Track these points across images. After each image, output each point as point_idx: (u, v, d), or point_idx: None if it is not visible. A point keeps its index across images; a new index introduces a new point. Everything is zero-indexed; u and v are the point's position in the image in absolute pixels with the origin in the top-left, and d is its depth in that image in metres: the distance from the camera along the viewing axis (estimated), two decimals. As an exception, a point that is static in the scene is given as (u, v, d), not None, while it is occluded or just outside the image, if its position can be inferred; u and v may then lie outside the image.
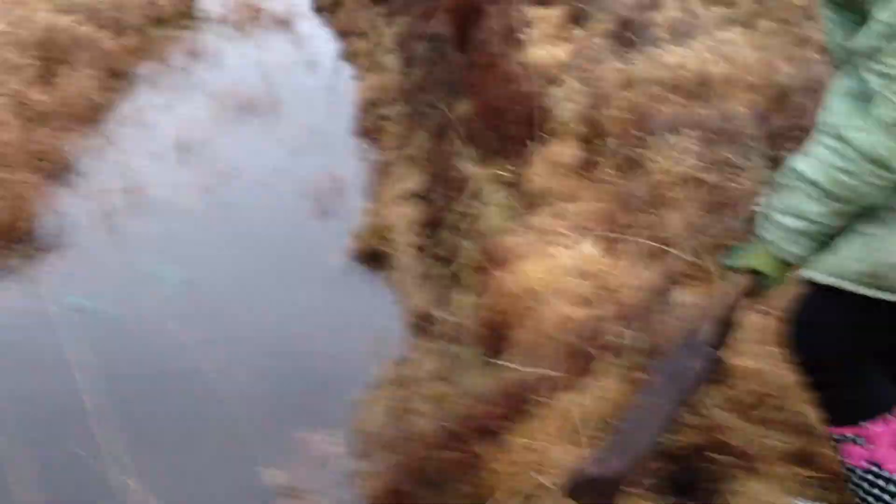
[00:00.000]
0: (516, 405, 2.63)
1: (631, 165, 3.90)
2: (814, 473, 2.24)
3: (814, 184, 1.57)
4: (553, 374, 2.67)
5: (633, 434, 1.91)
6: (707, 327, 1.89)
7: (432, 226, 4.86)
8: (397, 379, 3.89)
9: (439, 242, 4.70)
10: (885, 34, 1.46)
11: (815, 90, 4.22)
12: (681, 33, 5.43)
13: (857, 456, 1.75)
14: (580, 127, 4.34)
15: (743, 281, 1.78)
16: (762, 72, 4.74)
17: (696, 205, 3.54)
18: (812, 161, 1.58)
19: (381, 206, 5.70)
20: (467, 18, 5.86)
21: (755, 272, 1.75)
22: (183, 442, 3.64)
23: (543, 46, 5.35)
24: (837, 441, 1.78)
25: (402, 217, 5.40)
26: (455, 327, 3.77)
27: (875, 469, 1.73)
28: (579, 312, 2.98)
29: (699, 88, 4.55)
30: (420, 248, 4.85)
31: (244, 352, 4.27)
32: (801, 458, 2.31)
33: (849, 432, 1.74)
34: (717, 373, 1.97)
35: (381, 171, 6.32)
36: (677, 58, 4.97)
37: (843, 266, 1.62)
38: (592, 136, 4.25)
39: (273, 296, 4.81)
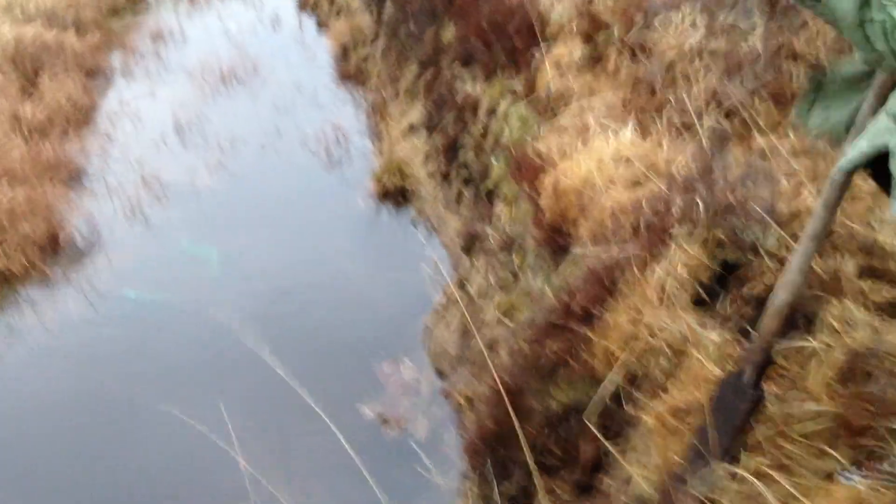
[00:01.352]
0: (607, 286, 2.79)
1: (640, 49, 4.01)
2: None
3: None
4: (633, 251, 2.83)
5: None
6: (748, 369, 2.15)
7: (450, 152, 4.98)
8: (462, 297, 4.07)
9: (462, 166, 4.82)
10: None
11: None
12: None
13: None
14: (579, 24, 4.42)
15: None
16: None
17: (713, 73, 3.68)
18: None
19: (391, 143, 5.81)
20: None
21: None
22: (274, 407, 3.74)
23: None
24: None
25: (416, 150, 5.52)
26: (507, 238, 3.93)
27: None
28: (638, 193, 3.13)
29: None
30: (444, 176, 4.98)
31: (307, 308, 4.43)
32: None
33: None
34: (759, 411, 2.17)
35: (380, 110, 6.40)
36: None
37: None
38: (593, 30, 4.34)
39: (313, 250, 4.95)
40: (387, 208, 5.39)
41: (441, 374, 3.92)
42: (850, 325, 2.39)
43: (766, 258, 2.67)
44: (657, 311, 2.63)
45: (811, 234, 2.07)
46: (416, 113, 5.69)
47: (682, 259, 2.72)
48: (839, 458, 2.10)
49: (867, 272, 2.54)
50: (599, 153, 3.42)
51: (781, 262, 2.66)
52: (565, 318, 2.84)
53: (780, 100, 3.48)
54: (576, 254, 3.15)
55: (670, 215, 2.88)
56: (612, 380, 2.65)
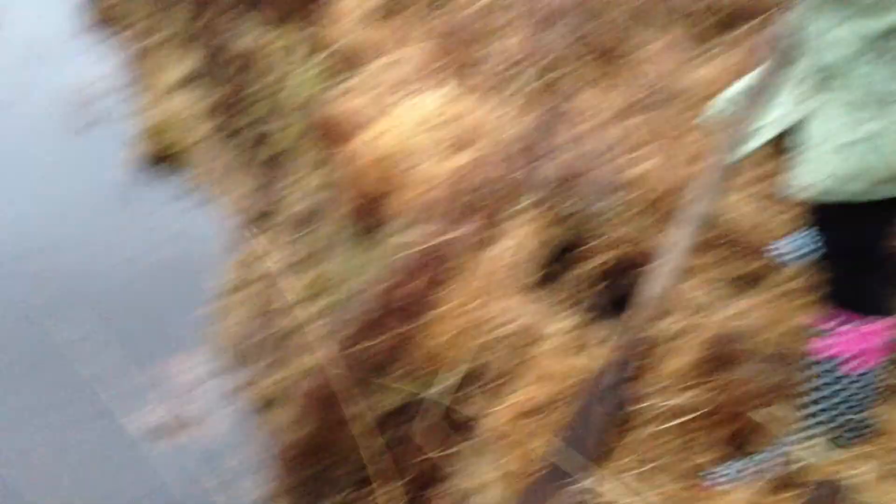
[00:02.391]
0: (439, 268, 2.48)
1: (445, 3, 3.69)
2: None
3: None
4: (466, 228, 2.53)
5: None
6: (613, 372, 1.97)
7: (234, 109, 4.45)
8: (257, 278, 3.62)
9: (250, 125, 4.32)
10: None
11: None
12: None
13: (837, 345, 1.73)
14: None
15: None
16: None
17: (530, 25, 3.43)
18: None
19: (157, 99, 5.15)
20: None
21: None
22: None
23: None
24: (825, 325, 1.75)
25: (188, 107, 4.91)
26: (311, 209, 3.51)
27: (850, 363, 1.73)
28: (463, 160, 2.83)
29: None
30: (228, 136, 4.45)
31: (62, 303, 3.77)
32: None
33: (834, 322, 1.72)
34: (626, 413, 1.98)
35: (142, 61, 5.68)
36: None
37: (857, 173, 1.54)
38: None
39: (62, 235, 4.24)
40: (156, 176, 4.75)
41: (235, 367, 3.46)
42: (704, 307, 2.23)
43: (608, 233, 2.46)
44: (496, 296, 2.35)
45: (697, 216, 1.84)
46: (188, 64, 5.07)
47: (521, 236, 2.45)
48: (711, 454, 1.93)
49: (712, 247, 2.39)
50: (414, 115, 3.09)
51: (624, 237, 2.47)
52: (391, 306, 2.50)
53: (598, 53, 3.30)
54: (396, 231, 2.81)
55: (505, 187, 2.60)
56: (451, 375, 2.35)
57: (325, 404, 2.44)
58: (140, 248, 4.07)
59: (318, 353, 2.62)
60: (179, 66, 5.23)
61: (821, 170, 1.57)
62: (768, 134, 1.76)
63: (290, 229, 3.47)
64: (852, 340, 1.71)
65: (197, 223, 4.11)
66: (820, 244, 1.74)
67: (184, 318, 3.54)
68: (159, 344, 3.48)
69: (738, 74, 2.03)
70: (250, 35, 4.53)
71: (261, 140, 4.11)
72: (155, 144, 4.89)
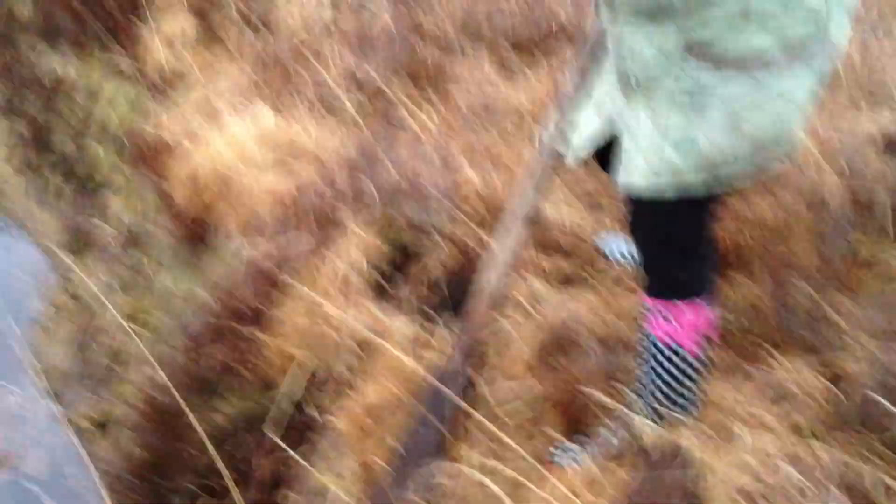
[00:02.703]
0: (274, 280, 2.48)
1: (263, 25, 3.72)
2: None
3: None
4: (301, 241, 2.55)
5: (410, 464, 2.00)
6: (452, 369, 2.06)
7: (40, 141, 4.26)
8: (72, 305, 3.46)
9: (57, 156, 4.14)
10: None
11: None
12: None
13: (660, 328, 1.88)
14: (190, -1, 4.01)
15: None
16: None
17: (348, 52, 3.51)
18: None
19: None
20: None
21: None
22: None
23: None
24: (646, 309, 1.89)
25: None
26: (129, 234, 3.41)
27: (672, 345, 1.86)
28: (291, 178, 2.84)
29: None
30: (34, 168, 4.23)
31: None
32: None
33: (659, 305, 1.87)
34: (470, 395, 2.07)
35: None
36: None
37: (667, 170, 1.66)
38: (206, 4, 3.96)
39: None
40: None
41: (56, 395, 3.27)
42: (538, 300, 2.34)
43: (440, 240, 2.55)
44: (336, 304, 2.37)
45: (522, 217, 1.96)
46: (-8, 97, 4.80)
47: (357, 246, 2.50)
48: (555, 435, 2.03)
49: (541, 246, 2.52)
50: (238, 137, 3.07)
51: (456, 242, 2.56)
52: (227, 319, 2.47)
53: (416, 78, 3.41)
54: (226, 247, 2.78)
55: (338, 201, 2.64)
56: (292, 383, 2.34)
57: (164, 418, 2.37)
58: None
59: (153, 368, 2.55)
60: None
61: (635, 170, 1.70)
62: (586, 134, 1.90)
63: (111, 253, 3.34)
64: (675, 320, 1.85)
65: (13, 253, 3.88)
66: (638, 234, 1.88)
67: (4, 346, 3.33)
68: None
69: (554, 94, 2.17)
70: (56, 66, 4.37)
71: (73, 169, 3.96)
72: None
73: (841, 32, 1.60)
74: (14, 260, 3.78)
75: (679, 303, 1.85)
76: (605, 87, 1.84)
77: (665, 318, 1.87)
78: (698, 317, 1.87)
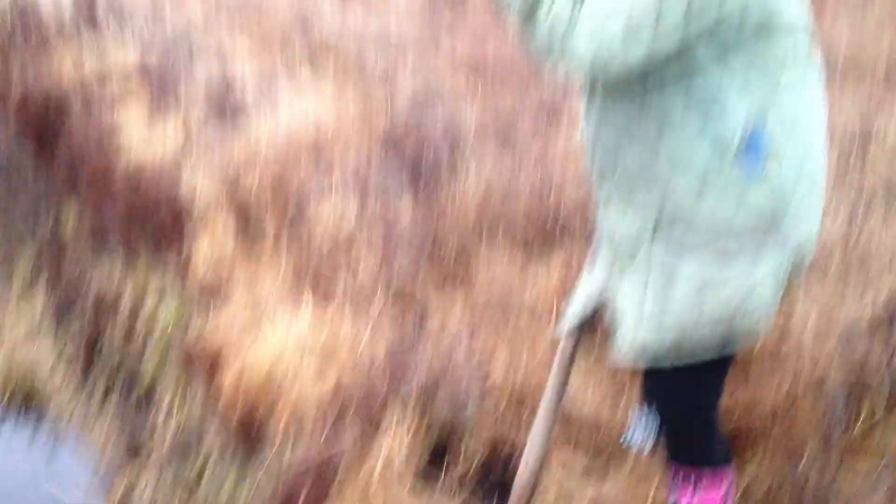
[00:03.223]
0: (326, 480, 2.68)
1: (299, 232, 4.06)
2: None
3: None
4: (348, 439, 2.77)
5: None
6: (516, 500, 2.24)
7: (90, 350, 4.54)
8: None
9: (108, 365, 4.41)
10: None
11: (415, 126, 4.76)
12: (268, 102, 5.67)
13: (686, 495, 2.07)
14: (230, 207, 4.38)
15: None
16: (364, 119, 5.17)
17: (376, 253, 3.83)
18: None
19: (11, 347, 5.13)
20: (47, 121, 5.53)
21: None
22: None
23: (146, 139, 5.24)
24: (675, 476, 2.09)
25: (44, 352, 4.94)
26: (180, 442, 3.62)
27: None
28: (334, 378, 3.09)
29: (319, 146, 4.84)
30: (85, 378, 4.49)
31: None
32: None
33: (689, 473, 2.06)
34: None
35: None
36: (280, 125, 5.21)
37: (644, 347, 1.87)
38: (244, 213, 4.32)
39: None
40: (12, 425, 4.68)
41: None
42: (565, 494, 2.53)
43: (475, 431, 2.77)
44: (384, 495, 2.57)
45: (549, 407, 2.19)
46: (39, 309, 5.12)
47: (398, 439, 2.71)
48: None
49: (569, 434, 2.73)
50: (282, 339, 3.34)
51: (490, 433, 2.78)
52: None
53: (440, 273, 3.71)
54: (276, 451, 2.99)
55: (376, 396, 2.88)
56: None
57: None
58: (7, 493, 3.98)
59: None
60: (31, 309, 5.26)
61: (626, 341, 1.92)
62: (577, 307, 2.15)
63: (166, 461, 3.55)
64: (699, 492, 2.03)
65: (63, 463, 4.08)
66: (653, 409, 2.09)
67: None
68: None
69: (572, 284, 2.44)
70: (105, 276, 4.71)
71: (123, 378, 4.21)
72: (14, 392, 4.82)
73: (811, 219, 1.83)
74: (66, 471, 3.98)
75: (702, 471, 2.03)
76: (598, 264, 2.12)
77: (690, 489, 2.05)
78: (721, 484, 2.06)
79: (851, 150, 3.86)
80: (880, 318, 2.73)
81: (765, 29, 1.63)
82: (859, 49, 5.24)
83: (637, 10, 1.52)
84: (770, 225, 1.75)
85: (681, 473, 2.07)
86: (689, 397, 2.01)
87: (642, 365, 1.96)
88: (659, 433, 2.15)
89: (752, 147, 1.68)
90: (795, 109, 1.71)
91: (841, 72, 4.97)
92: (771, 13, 1.63)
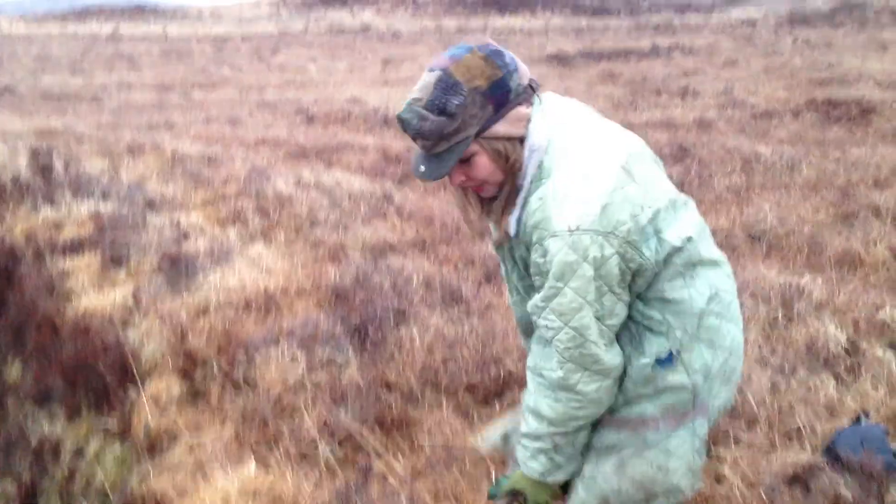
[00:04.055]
0: None
1: (245, 383, 4.12)
2: None
3: (533, 412, 2.07)
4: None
5: None
6: None
7: (27, 499, 4.45)
8: None
9: (44, 514, 4.33)
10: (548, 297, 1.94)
11: (362, 283, 4.94)
12: (220, 256, 5.84)
13: None
14: (174, 360, 4.44)
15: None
16: (311, 276, 5.34)
17: (321, 404, 3.90)
18: (529, 397, 2.09)
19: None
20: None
21: (516, 492, 2.21)
22: None
23: (96, 293, 5.33)
24: None
25: (-24, 502, 4.82)
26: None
27: None
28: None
29: (268, 302, 4.97)
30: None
31: None
32: None
33: None
34: None
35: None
36: (230, 279, 5.35)
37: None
38: (191, 366, 4.39)
39: None
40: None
41: None
42: None
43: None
44: None
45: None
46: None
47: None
48: None
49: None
50: (223, 490, 3.36)
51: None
52: None
53: (384, 425, 3.78)
54: None
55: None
56: None
57: None
58: None
59: None
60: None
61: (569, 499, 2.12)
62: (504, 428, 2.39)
63: None
64: None
65: None
66: None
67: None
68: None
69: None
70: (45, 427, 4.67)
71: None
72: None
73: (720, 400, 2.06)
74: None
75: None
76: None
77: None
78: None
79: (778, 310, 4.12)
80: (801, 474, 2.87)
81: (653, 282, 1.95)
82: (782, 223, 5.64)
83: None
84: (690, 404, 2.00)
85: None
86: None
87: None
88: None
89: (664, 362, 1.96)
90: (697, 321, 1.97)
91: (767, 242, 5.34)
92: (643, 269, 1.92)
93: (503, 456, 2.42)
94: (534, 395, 2.06)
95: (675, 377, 1.96)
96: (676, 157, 7.65)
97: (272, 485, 3.40)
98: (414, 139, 1.93)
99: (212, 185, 7.51)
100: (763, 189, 6.54)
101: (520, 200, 1.95)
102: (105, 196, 6.90)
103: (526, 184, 1.94)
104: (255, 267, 5.63)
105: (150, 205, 6.84)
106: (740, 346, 2.06)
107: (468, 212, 2.07)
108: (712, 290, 1.96)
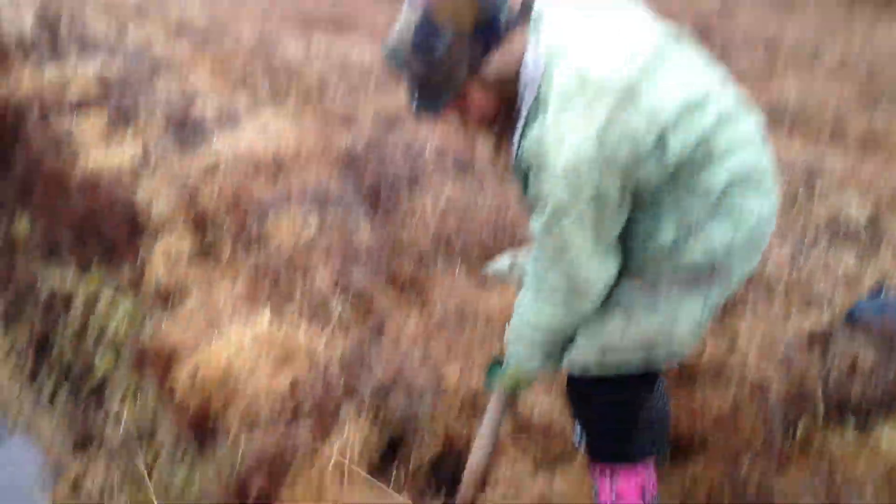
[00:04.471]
0: (280, 469, 2.71)
1: (257, 242, 4.10)
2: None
3: (530, 322, 2.05)
4: (302, 433, 2.80)
5: None
6: (464, 492, 2.38)
7: (38, 350, 4.50)
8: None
9: (56, 363, 4.37)
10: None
11: (374, 150, 4.86)
12: (228, 120, 5.72)
13: (605, 489, 2.23)
14: (186, 217, 4.40)
15: (500, 397, 2.26)
16: (325, 138, 5.25)
17: (333, 263, 3.88)
18: (526, 304, 2.06)
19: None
20: (3, 128, 5.51)
21: (509, 387, 2.25)
22: None
23: (103, 151, 5.24)
24: (595, 476, 2.26)
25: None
26: (132, 435, 3.61)
27: (615, 500, 2.22)
28: (289, 376, 3.12)
29: (279, 165, 4.90)
30: (32, 375, 4.45)
31: None
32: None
33: (603, 469, 2.23)
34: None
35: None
36: (239, 142, 5.25)
37: (578, 358, 2.09)
38: (202, 223, 4.35)
39: None
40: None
41: None
42: (516, 481, 2.60)
43: (428, 429, 2.83)
44: (337, 490, 2.61)
45: (498, 405, 2.28)
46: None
47: (352, 436, 2.76)
48: None
49: (520, 431, 2.81)
50: (238, 341, 3.37)
51: (442, 431, 2.84)
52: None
53: (397, 285, 3.78)
54: (227, 442, 3.01)
55: (331, 395, 2.92)
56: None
57: None
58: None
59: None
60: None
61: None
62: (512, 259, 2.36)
63: (117, 453, 3.53)
64: (616, 485, 2.16)
65: (13, 455, 4.02)
66: (576, 408, 2.24)
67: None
68: None
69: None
70: (55, 280, 4.68)
71: (72, 375, 4.18)
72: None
73: (740, 271, 2.00)
74: (14, 462, 3.93)
75: (618, 466, 2.18)
76: None
77: (609, 480, 2.18)
78: (639, 479, 2.19)
79: (799, 185, 4.06)
80: (820, 337, 2.86)
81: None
82: (805, 102, 5.52)
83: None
84: (712, 271, 1.94)
85: (598, 469, 2.21)
86: (606, 401, 2.18)
87: (575, 373, 2.12)
88: (581, 426, 2.30)
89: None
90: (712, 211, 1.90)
91: (790, 121, 5.23)
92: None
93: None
94: (533, 304, 2.03)
95: (693, 255, 1.89)
96: (696, 36, 7.44)
97: (285, 338, 3.41)
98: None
99: (220, 50, 7.33)
100: (786, 68, 6.38)
101: (517, 131, 1.86)
102: (111, 56, 6.72)
103: (523, 114, 1.83)
104: (264, 132, 5.53)
105: (157, 67, 6.67)
106: (771, 216, 1.98)
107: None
108: (736, 169, 1.86)
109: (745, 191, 1.88)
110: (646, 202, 1.84)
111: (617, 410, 2.20)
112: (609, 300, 2.00)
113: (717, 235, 1.88)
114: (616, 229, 1.86)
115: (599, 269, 1.89)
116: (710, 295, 1.97)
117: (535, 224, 1.88)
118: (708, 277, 1.93)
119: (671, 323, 1.97)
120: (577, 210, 1.76)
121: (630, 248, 1.92)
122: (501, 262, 2.53)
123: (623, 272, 1.97)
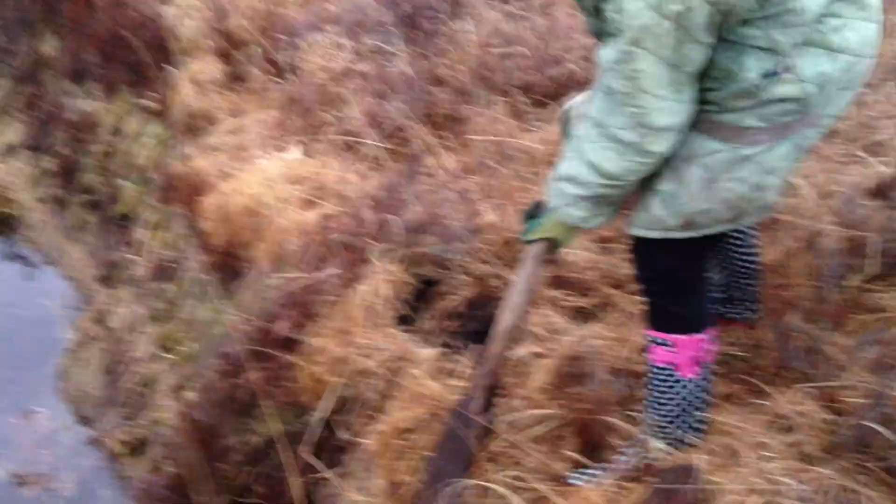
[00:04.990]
0: (308, 309, 2.63)
1: (288, 69, 3.90)
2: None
3: (589, 163, 1.82)
4: (332, 272, 2.71)
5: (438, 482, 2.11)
6: (476, 397, 2.16)
7: (66, 175, 4.42)
8: (102, 333, 3.60)
9: (84, 189, 4.30)
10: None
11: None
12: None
13: (660, 357, 2.07)
14: (214, 41, 4.19)
15: (538, 249, 2.05)
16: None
17: (367, 94, 3.68)
18: (585, 145, 1.82)
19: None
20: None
21: (549, 239, 2.03)
22: None
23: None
24: (650, 341, 2.09)
25: (19, 173, 4.82)
26: (159, 265, 3.56)
27: (670, 370, 2.06)
28: (317, 213, 3.01)
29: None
30: (60, 201, 4.40)
31: None
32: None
33: (661, 337, 2.06)
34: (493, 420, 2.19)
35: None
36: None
37: (656, 220, 1.88)
38: (230, 48, 4.15)
39: None
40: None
41: (86, 420, 3.42)
42: (552, 332, 2.49)
43: (461, 273, 2.71)
44: (365, 332, 2.53)
45: (539, 254, 2.12)
46: (15, 132, 4.97)
47: (383, 278, 2.65)
48: (574, 457, 2.15)
49: (557, 282, 2.68)
50: (267, 173, 3.24)
51: (476, 275, 2.72)
52: (261, 345, 2.62)
53: (434, 121, 3.58)
54: (256, 278, 2.93)
55: (363, 234, 2.80)
56: (324, 406, 2.49)
57: (198, 437, 2.51)
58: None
59: (186, 395, 2.69)
60: (5, 134, 5.11)
61: (639, 212, 1.91)
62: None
63: (141, 284, 3.50)
64: (674, 350, 2.03)
65: (43, 284, 4.04)
66: (639, 272, 2.08)
67: (37, 374, 3.49)
68: (12, 399, 3.43)
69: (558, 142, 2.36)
70: (82, 104, 4.54)
71: (99, 202, 4.12)
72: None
73: (835, 108, 1.79)
74: (44, 291, 3.94)
75: (677, 335, 2.04)
76: None
77: (665, 348, 2.05)
78: (696, 347, 2.05)
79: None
80: (884, 181, 2.66)
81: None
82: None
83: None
84: (801, 117, 1.73)
85: (653, 336, 2.07)
86: (673, 266, 2.01)
87: (650, 235, 1.93)
88: (641, 290, 2.14)
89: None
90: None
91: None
92: None
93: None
94: (593, 146, 1.81)
95: (784, 88, 1.68)
96: None
97: (317, 171, 3.27)
98: None
99: None
100: None
101: None
102: None
103: None
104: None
105: None
106: (873, 41, 1.76)
107: None
108: None
109: (845, 9, 1.67)
110: (732, 35, 1.64)
111: (679, 278, 2.04)
112: (685, 156, 1.80)
113: (809, 68, 1.67)
114: (695, 62, 1.64)
115: (672, 106, 1.68)
116: (801, 140, 1.78)
117: (607, 52, 1.68)
118: (798, 120, 1.73)
119: (762, 177, 1.79)
120: (659, 30, 1.56)
121: (709, 92, 1.72)
122: (577, 102, 2.26)
123: (701, 124, 1.77)
